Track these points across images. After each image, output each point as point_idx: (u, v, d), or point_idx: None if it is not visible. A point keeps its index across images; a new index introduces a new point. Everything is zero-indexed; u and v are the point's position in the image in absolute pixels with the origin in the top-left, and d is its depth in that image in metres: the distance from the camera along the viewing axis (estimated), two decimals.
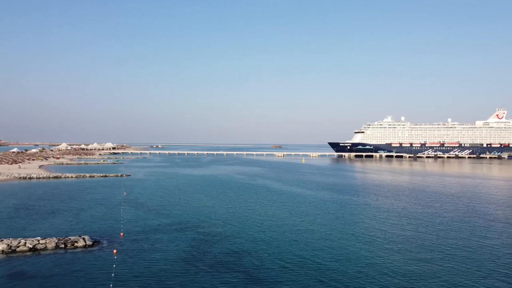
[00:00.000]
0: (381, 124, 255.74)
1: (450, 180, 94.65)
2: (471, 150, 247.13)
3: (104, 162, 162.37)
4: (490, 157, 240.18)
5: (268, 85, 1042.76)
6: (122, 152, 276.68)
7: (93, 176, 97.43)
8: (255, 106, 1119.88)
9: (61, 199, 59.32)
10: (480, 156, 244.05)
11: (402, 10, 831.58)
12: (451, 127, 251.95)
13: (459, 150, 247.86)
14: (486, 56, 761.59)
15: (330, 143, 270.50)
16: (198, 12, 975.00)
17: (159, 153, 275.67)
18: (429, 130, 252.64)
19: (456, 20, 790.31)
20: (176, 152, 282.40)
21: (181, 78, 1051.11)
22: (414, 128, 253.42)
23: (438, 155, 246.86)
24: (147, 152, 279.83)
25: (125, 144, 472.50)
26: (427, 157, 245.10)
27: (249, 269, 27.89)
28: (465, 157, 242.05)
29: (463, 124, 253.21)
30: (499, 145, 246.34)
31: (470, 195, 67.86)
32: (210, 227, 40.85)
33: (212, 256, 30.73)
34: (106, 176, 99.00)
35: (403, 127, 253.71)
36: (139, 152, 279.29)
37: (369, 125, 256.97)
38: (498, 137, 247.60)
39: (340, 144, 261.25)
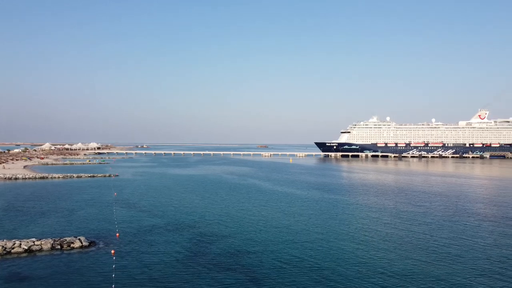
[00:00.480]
0: (366, 124, 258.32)
1: (437, 180, 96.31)
2: (454, 150, 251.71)
3: (90, 162, 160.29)
4: (472, 157, 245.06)
5: (255, 86, 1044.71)
6: (108, 152, 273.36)
7: (81, 177, 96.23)
8: (242, 106, 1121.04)
9: (51, 200, 58.46)
10: (463, 155, 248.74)
11: (389, 14, 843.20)
12: (435, 127, 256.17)
13: (442, 150, 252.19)
14: (470, 58, 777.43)
15: (316, 143, 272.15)
16: (187, 13, 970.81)
17: (145, 153, 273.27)
18: (413, 130, 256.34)
19: (441, 23, 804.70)
20: (163, 152, 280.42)
21: (167, 78, 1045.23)
22: (399, 128, 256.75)
23: (423, 155, 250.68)
24: (133, 152, 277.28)
25: (109, 144, 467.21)
26: (411, 156, 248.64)
27: (250, 269, 28.00)
28: (448, 157, 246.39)
29: (446, 125, 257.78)
30: (481, 145, 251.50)
31: (457, 194, 69.24)
32: (206, 228, 40.82)
33: (212, 257, 30.74)
34: (94, 176, 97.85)
35: (388, 127, 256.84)
36: (124, 152, 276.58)
37: (355, 125, 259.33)
38: (480, 137, 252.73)
39: (327, 144, 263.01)
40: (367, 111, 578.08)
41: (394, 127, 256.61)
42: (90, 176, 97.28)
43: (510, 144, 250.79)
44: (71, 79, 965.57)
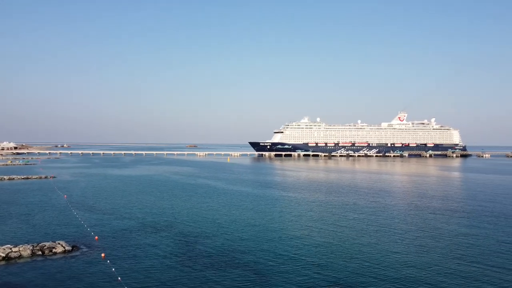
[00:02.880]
0: (298, 125, 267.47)
1: (376, 177, 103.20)
2: (378, 150, 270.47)
3: (12, 163, 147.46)
4: (394, 156, 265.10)
5: (183, 84, 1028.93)
6: (27, 152, 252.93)
7: (13, 179, 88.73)
8: (171, 105, 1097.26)
9: None
10: (386, 154, 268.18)
11: (323, 17, 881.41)
12: (360, 128, 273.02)
13: (367, 149, 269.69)
14: (391, 62, 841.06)
15: (250, 143, 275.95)
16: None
17: (70, 153, 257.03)
18: (341, 130, 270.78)
19: (372, 29, 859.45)
20: (90, 152, 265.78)
21: (83, 77, 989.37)
22: (328, 128, 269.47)
23: (350, 154, 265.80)
24: (57, 152, 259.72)
25: (25, 144, 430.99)
26: (340, 156, 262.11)
27: (249, 265, 28.63)
28: (373, 156, 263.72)
29: (370, 126, 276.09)
30: (401, 145, 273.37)
31: (401, 190, 75.36)
32: (185, 228, 40.51)
33: (207, 256, 30.85)
34: (28, 178, 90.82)
35: (319, 128, 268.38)
36: (47, 152, 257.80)
37: (288, 125, 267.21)
38: (400, 137, 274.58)
39: (261, 144, 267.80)
40: (299, 111, 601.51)
41: (324, 128, 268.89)
42: (24, 178, 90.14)
43: (425, 144, 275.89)
44: None
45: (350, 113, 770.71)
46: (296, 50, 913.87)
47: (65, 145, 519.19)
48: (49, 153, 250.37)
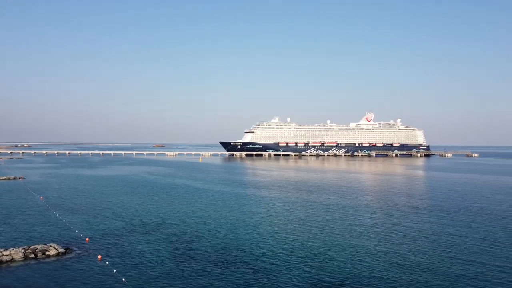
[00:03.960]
0: (269, 125, 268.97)
1: (350, 176, 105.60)
2: (346, 149, 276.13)
3: None
4: (361, 155, 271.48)
5: (151, 84, 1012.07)
6: None
7: None
8: (135, 104, 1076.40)
9: None
10: (354, 154, 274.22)
11: (292, 19, 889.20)
12: (329, 128, 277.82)
13: (336, 149, 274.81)
14: (361, 63, 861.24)
15: (221, 142, 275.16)
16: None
17: (34, 153, 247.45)
18: (311, 130, 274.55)
19: (340, 31, 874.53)
20: (56, 152, 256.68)
21: (45, 78, 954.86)
22: (298, 128, 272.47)
23: (320, 154, 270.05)
24: (19, 152, 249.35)
25: None
26: (310, 155, 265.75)
27: (248, 264, 28.90)
28: (341, 155, 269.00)
29: (339, 126, 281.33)
30: (368, 145, 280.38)
31: (378, 189, 77.60)
32: (175, 228, 40.26)
33: (203, 254, 30.87)
34: None
35: (289, 128, 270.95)
36: (8, 152, 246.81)
37: (258, 125, 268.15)
38: (367, 137, 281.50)
39: (231, 144, 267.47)
40: (269, 111, 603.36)
41: (294, 128, 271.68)
42: None
43: (391, 144, 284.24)
44: None
45: (320, 113, 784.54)
46: (267, 50, 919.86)
47: (25, 145, 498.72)
48: (10, 153, 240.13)
